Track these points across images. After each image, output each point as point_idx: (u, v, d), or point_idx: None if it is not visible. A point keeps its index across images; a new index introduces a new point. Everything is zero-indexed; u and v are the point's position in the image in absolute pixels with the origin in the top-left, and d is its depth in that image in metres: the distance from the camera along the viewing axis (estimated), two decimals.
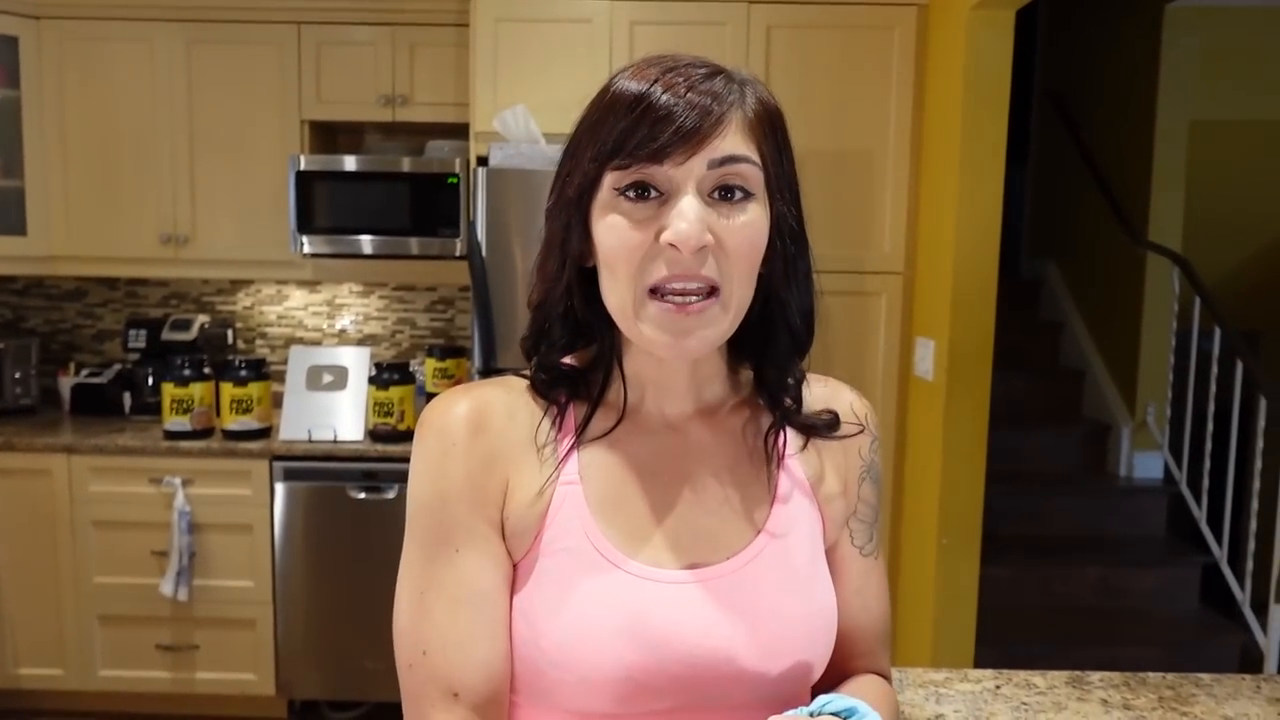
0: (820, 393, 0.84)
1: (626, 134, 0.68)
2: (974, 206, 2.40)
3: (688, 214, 0.67)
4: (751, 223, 0.70)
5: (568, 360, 0.79)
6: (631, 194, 0.69)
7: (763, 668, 0.73)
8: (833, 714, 0.69)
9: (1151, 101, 3.59)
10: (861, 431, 0.84)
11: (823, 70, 2.63)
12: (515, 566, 0.74)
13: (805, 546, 0.78)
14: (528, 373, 0.79)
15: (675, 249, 0.67)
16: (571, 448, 0.75)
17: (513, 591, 0.73)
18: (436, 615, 0.71)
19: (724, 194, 0.69)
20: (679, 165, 0.68)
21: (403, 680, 0.73)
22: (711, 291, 0.69)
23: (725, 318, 0.70)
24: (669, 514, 0.76)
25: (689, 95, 0.68)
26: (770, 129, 0.73)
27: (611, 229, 0.70)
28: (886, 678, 0.87)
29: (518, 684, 0.73)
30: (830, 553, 0.82)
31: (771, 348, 0.78)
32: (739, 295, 0.71)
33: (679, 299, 0.68)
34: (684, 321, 0.69)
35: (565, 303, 0.75)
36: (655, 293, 0.69)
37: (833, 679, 0.83)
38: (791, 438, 0.81)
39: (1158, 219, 3.61)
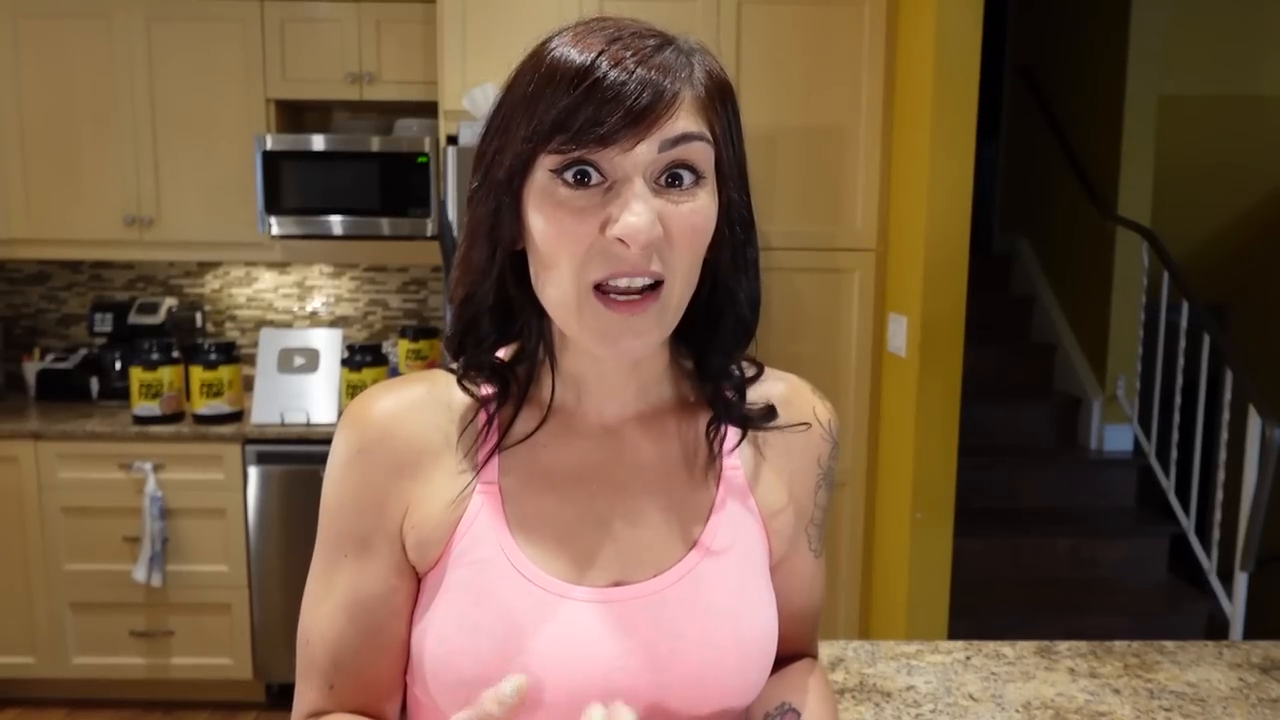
0: (780, 391, 0.78)
1: (569, 114, 0.60)
2: (945, 182, 2.41)
3: (637, 207, 0.61)
4: (700, 209, 0.64)
5: (499, 354, 0.73)
6: (571, 178, 0.62)
7: (685, 695, 0.68)
8: None
9: (1120, 76, 3.60)
10: (807, 428, 0.78)
11: (794, 46, 2.62)
12: (423, 578, 0.70)
13: (744, 566, 0.72)
14: (454, 367, 0.73)
15: (623, 244, 0.61)
16: (492, 452, 0.70)
17: (425, 603, 0.69)
18: (321, 612, 0.72)
19: (672, 180, 0.63)
20: (627, 151, 0.61)
21: (297, 652, 0.74)
22: (655, 284, 0.63)
23: (668, 315, 0.65)
24: (594, 526, 0.70)
25: (639, 71, 0.61)
26: (721, 105, 0.66)
27: (551, 219, 0.63)
28: (814, 656, 0.86)
29: (437, 699, 0.68)
30: (785, 560, 0.78)
31: (717, 336, 0.72)
32: (680, 288, 0.65)
33: (623, 296, 0.63)
34: (629, 322, 0.63)
35: (495, 294, 0.69)
36: (598, 288, 0.63)
37: (786, 663, 0.82)
38: (736, 449, 0.75)
39: (1127, 194, 3.64)
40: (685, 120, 0.63)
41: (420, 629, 0.69)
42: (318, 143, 2.84)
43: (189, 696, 2.92)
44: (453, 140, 2.60)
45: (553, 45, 0.64)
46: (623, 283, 0.62)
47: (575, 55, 0.62)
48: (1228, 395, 3.10)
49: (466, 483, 0.69)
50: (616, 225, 0.61)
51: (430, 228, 2.86)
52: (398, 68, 2.93)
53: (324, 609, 0.72)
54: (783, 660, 0.81)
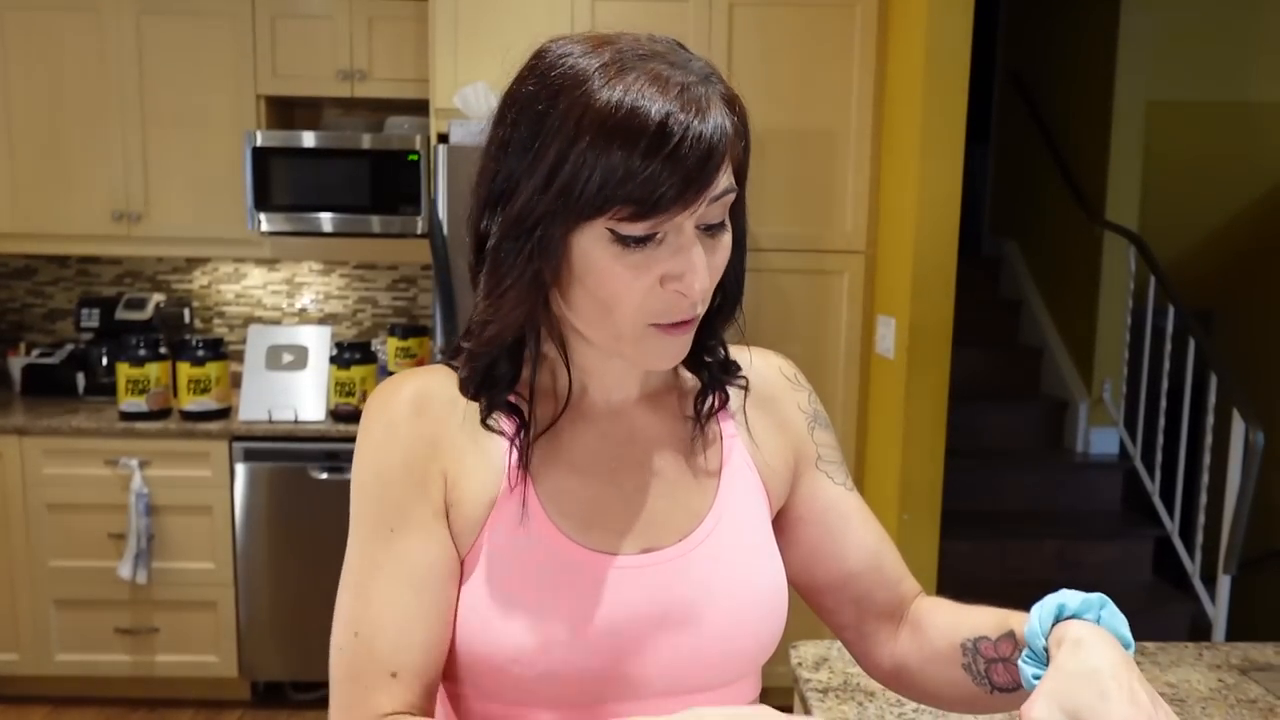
0: (745, 359, 0.84)
1: (652, 185, 0.61)
2: (935, 185, 2.42)
3: (700, 268, 0.66)
4: (728, 243, 0.70)
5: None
6: (632, 241, 0.64)
7: (718, 648, 0.73)
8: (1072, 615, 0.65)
9: (1109, 82, 3.63)
10: (746, 387, 0.83)
11: (785, 49, 2.62)
12: (463, 560, 0.72)
13: (752, 524, 0.78)
14: (458, 364, 0.76)
15: (683, 296, 0.66)
16: (520, 438, 0.73)
17: (461, 585, 0.71)
18: (372, 596, 0.68)
19: (709, 227, 0.67)
20: (692, 211, 0.64)
21: (333, 663, 0.69)
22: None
23: (698, 325, 0.71)
24: (618, 500, 0.75)
25: (701, 130, 0.62)
26: (743, 133, 0.69)
27: (608, 272, 0.65)
28: (917, 588, 0.88)
29: (471, 679, 0.71)
30: (811, 502, 0.83)
31: (709, 314, 0.76)
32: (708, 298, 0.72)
33: (675, 322, 0.68)
34: (677, 343, 0.70)
35: (519, 333, 0.71)
36: (652, 325, 0.68)
37: (889, 603, 0.84)
38: (731, 418, 0.81)
39: (1115, 198, 3.66)
40: (726, 175, 0.66)
41: (459, 614, 0.71)
42: (308, 139, 2.83)
43: (174, 694, 2.91)
44: (444, 138, 2.60)
45: (601, 92, 0.63)
46: (673, 319, 0.68)
47: (645, 114, 0.61)
48: (1212, 399, 3.12)
49: (498, 471, 0.72)
50: (682, 284, 0.66)
51: (420, 226, 2.85)
52: (389, 65, 2.92)
53: (376, 589, 0.68)
54: (893, 603, 0.84)
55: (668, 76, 0.63)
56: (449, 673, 0.72)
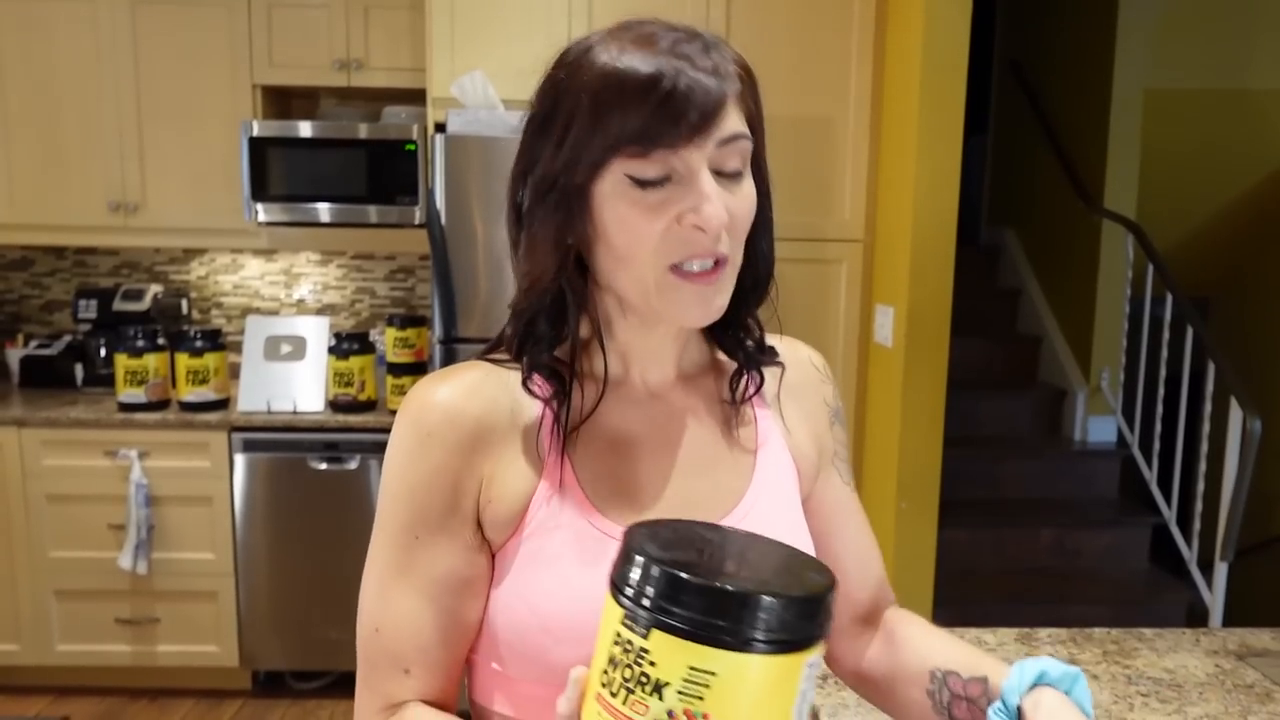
0: (777, 345, 0.86)
1: (645, 123, 0.66)
2: (933, 174, 2.42)
3: (713, 197, 0.68)
4: (749, 194, 0.72)
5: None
6: (644, 180, 0.68)
7: None
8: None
9: (1107, 70, 3.62)
10: (781, 373, 0.86)
11: (783, 36, 2.62)
12: (503, 548, 0.74)
13: (787, 502, 0.81)
14: (497, 357, 0.78)
15: (701, 230, 0.68)
16: (559, 424, 0.75)
17: (502, 575, 0.73)
18: (392, 597, 0.73)
19: (726, 174, 0.70)
20: (699, 148, 0.68)
21: (359, 643, 0.75)
22: (719, 261, 0.71)
23: (730, 284, 0.73)
24: (660, 481, 0.77)
25: (695, 75, 0.67)
26: (752, 92, 0.73)
27: (626, 218, 0.69)
28: (891, 598, 0.91)
29: (519, 663, 0.72)
30: (821, 496, 0.86)
31: (740, 290, 0.77)
32: (736, 259, 0.73)
33: (699, 269, 0.70)
34: (704, 293, 0.71)
35: (555, 292, 0.74)
36: (674, 269, 0.70)
37: (867, 605, 0.88)
38: (764, 403, 0.83)
39: (1113, 187, 3.66)
40: (734, 119, 0.70)
41: (504, 601, 0.73)
42: (305, 129, 2.82)
43: (175, 684, 2.92)
44: (441, 128, 2.59)
45: (600, 57, 0.69)
46: (695, 265, 0.70)
47: (637, 65, 0.67)
48: (1209, 388, 3.13)
49: (538, 458, 0.74)
50: (698, 215, 0.68)
51: (418, 215, 2.85)
52: (386, 54, 2.91)
53: (397, 594, 0.73)
54: (871, 605, 0.88)
55: (660, 36, 0.69)
56: (501, 660, 0.73)
